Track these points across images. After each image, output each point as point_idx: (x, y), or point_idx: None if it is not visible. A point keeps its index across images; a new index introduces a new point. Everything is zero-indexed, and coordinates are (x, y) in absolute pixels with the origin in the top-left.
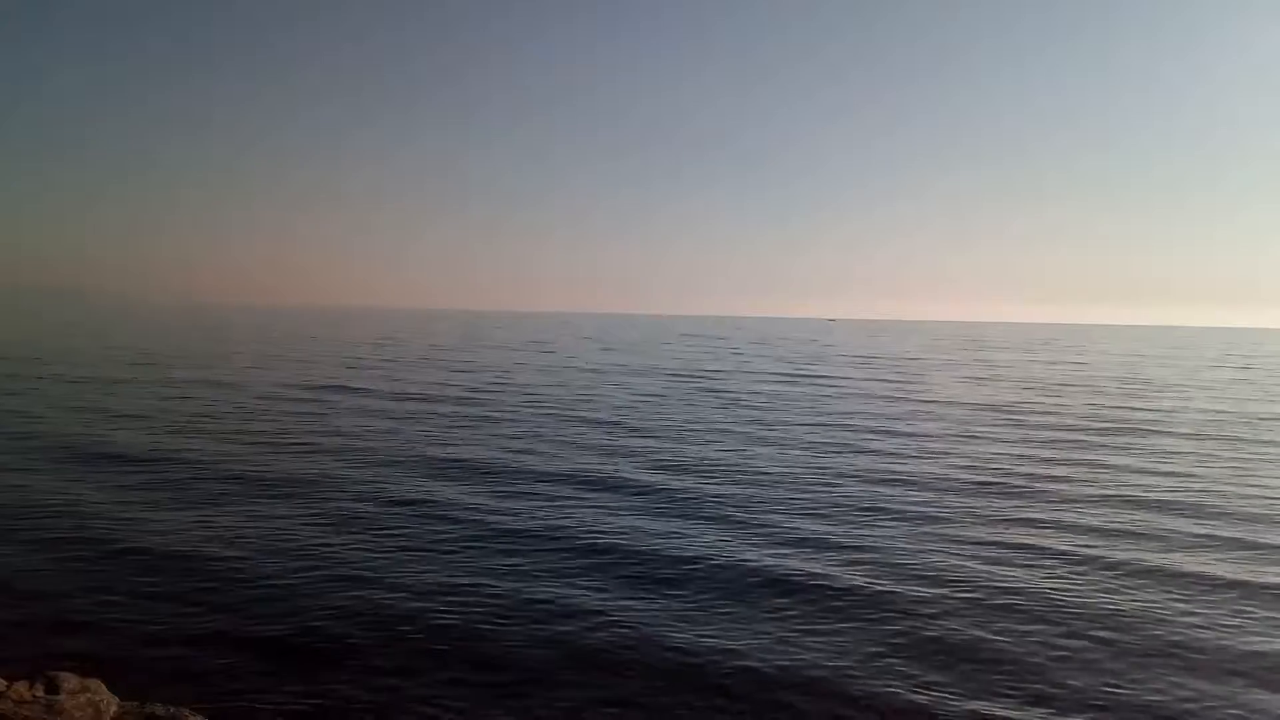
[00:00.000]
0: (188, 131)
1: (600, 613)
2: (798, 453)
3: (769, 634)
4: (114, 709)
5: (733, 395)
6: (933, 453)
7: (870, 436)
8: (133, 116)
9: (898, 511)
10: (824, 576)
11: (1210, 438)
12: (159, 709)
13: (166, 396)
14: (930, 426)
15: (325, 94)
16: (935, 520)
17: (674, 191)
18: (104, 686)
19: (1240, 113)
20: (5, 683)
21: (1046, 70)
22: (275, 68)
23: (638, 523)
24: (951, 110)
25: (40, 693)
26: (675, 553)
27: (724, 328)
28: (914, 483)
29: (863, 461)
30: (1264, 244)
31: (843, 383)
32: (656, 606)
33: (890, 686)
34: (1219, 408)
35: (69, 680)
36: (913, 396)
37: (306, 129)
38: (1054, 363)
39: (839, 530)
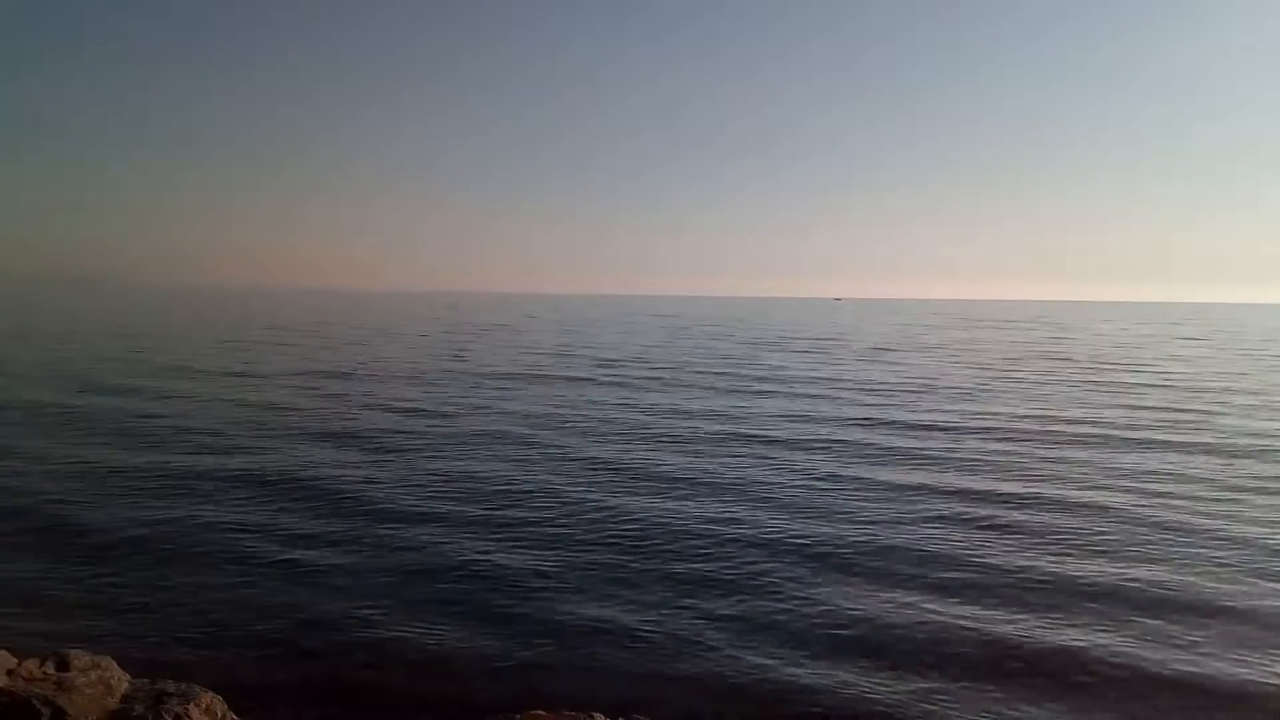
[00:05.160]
0: (187, 121)
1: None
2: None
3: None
4: (125, 686)
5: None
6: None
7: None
8: (129, 109)
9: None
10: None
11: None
12: (170, 686)
13: None
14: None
15: (322, 81)
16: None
17: (686, 175)
18: (115, 664)
19: (1240, 98)
20: (16, 660)
21: (1049, 56)
22: (270, 55)
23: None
24: (957, 94)
25: (51, 670)
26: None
27: (713, 307)
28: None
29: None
30: (1257, 227)
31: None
32: None
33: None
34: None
35: (80, 658)
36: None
37: (306, 116)
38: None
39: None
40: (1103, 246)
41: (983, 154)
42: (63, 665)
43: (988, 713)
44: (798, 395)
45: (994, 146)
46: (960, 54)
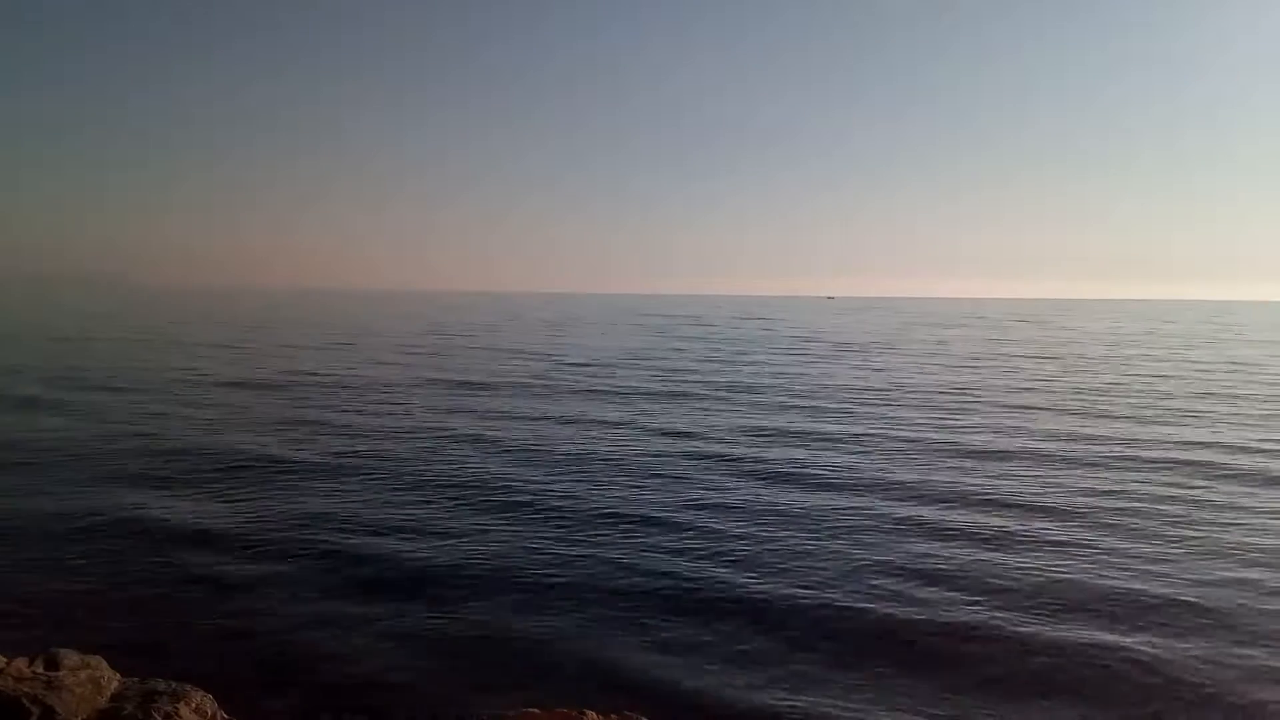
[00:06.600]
0: (197, 122)
1: None
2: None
3: None
4: (115, 685)
5: None
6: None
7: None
8: (137, 109)
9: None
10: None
11: None
12: (159, 684)
13: None
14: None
15: (326, 83)
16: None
17: (688, 176)
18: (105, 663)
19: (1240, 96)
20: (5, 659)
21: (1046, 55)
22: (278, 55)
23: None
24: (953, 94)
25: (40, 669)
26: None
27: (707, 306)
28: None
29: None
30: (1256, 223)
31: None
32: None
33: None
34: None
35: (69, 657)
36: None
37: (310, 118)
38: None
39: None
40: (1101, 244)
41: (981, 152)
42: (52, 664)
43: None
44: (731, 403)
45: (994, 144)
46: (960, 52)
